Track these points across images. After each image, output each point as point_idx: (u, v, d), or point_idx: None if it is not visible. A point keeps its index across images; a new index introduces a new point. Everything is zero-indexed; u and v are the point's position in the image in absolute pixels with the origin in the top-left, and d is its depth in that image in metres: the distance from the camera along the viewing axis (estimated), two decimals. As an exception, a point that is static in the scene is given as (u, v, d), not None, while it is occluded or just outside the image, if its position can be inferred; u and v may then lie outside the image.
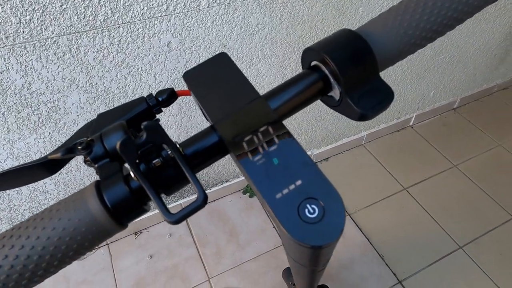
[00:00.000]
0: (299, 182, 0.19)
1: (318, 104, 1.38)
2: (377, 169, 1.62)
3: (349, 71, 0.25)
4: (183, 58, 0.97)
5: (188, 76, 0.27)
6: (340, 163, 1.64)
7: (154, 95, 0.28)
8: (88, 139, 0.24)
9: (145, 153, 0.22)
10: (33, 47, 0.78)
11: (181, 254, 1.32)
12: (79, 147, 0.23)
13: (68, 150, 0.24)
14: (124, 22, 0.83)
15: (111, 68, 0.90)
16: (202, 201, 0.21)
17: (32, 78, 0.82)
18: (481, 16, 1.48)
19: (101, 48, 0.85)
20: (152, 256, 1.31)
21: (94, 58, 0.86)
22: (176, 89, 0.29)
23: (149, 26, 0.87)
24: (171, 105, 1.06)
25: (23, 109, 0.87)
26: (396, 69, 1.47)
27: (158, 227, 1.40)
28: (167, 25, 0.88)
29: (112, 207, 0.22)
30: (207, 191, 1.41)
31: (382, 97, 0.25)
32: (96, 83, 0.91)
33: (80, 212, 0.22)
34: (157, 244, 1.35)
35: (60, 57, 0.82)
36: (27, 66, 0.80)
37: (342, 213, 0.18)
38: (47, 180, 1.05)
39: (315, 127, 1.47)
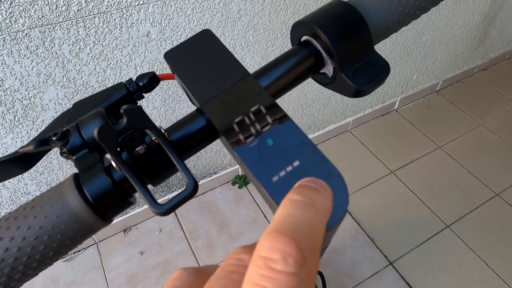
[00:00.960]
0: (296, 163, 0.18)
1: (303, 91, 1.37)
2: (364, 154, 1.63)
3: (343, 44, 0.23)
4: (163, 48, 0.94)
5: (170, 55, 0.24)
6: (327, 149, 1.65)
7: (134, 80, 0.26)
8: (64, 129, 0.22)
9: (127, 140, 0.20)
10: (3, 41, 0.73)
11: (173, 248, 1.30)
12: (53, 138, 0.21)
13: (41, 142, 0.21)
14: (99, 12, 0.79)
15: (88, 61, 0.86)
16: (193, 189, 0.19)
17: (4, 74, 0.78)
18: (461, -3, 1.49)
19: (76, 40, 0.81)
20: (143, 252, 1.29)
21: (70, 51, 0.82)
22: (158, 73, 0.27)
23: (126, 15, 0.83)
24: (154, 98, 1.04)
25: (-3, 108, 0.83)
26: (380, 52, 1.47)
27: (147, 223, 1.37)
28: (145, 14, 0.85)
29: (94, 200, 0.20)
30: (195, 184, 1.39)
31: (378, 71, 0.24)
32: (74, 78, 0.87)
33: (58, 208, 0.20)
34: (147, 240, 1.33)
35: (33, 51, 0.78)
36: (-2, 62, 0.76)
37: (345, 192, 0.17)
38: (28, 181, 1.01)
39: (302, 115, 1.47)
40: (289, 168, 0.18)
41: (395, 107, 1.83)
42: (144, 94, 0.26)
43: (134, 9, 0.83)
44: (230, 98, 0.22)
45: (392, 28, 0.26)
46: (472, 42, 1.80)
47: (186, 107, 1.11)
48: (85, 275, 1.24)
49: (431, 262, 1.28)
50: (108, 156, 0.22)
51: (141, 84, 0.26)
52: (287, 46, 1.16)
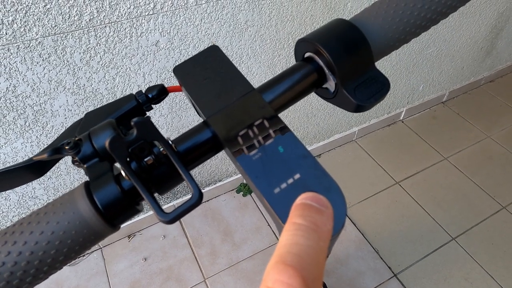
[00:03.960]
0: (297, 176, 0.19)
1: (309, 101, 1.38)
2: (369, 164, 1.63)
3: (344, 61, 0.24)
4: (172, 57, 0.96)
5: (179, 70, 0.26)
6: (332, 159, 1.65)
7: (143, 91, 0.27)
8: (76, 138, 0.23)
9: (136, 151, 0.21)
10: (17, 48, 0.76)
11: (176, 255, 1.31)
12: (66, 147, 0.22)
13: (54, 151, 0.22)
14: (110, 21, 0.81)
15: (98, 69, 0.88)
16: (198, 199, 0.20)
17: (17, 80, 0.80)
18: (467, 10, 1.50)
19: (87, 48, 0.83)
20: (146, 258, 1.30)
21: (80, 59, 0.84)
22: (166, 86, 0.28)
23: (136, 25, 0.85)
24: (161, 105, 1.05)
25: (8, 113, 0.84)
26: (386, 64, 1.48)
27: (151, 229, 1.38)
28: (154, 23, 0.87)
29: (103, 208, 0.21)
30: (200, 191, 1.40)
31: (378, 87, 0.25)
32: (84, 85, 0.89)
33: (70, 215, 0.21)
34: (151, 247, 1.33)
35: (46, 58, 0.80)
36: (11, 69, 0.78)
37: (343, 206, 0.17)
38: (36, 185, 1.03)
39: (307, 124, 1.47)
40: (290, 181, 0.19)
41: (401, 118, 1.83)
42: (153, 106, 0.27)
43: (144, 19, 0.85)
44: (235, 111, 0.23)
45: (393, 46, 0.26)
46: (478, 54, 1.80)
47: (192, 115, 1.12)
48: (89, 280, 1.25)
49: (436, 275, 1.26)
50: (117, 165, 0.22)
51: (150, 96, 0.27)
52: (293, 56, 1.17)
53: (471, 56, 1.78)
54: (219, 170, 1.40)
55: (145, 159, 0.22)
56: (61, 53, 0.81)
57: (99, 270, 1.27)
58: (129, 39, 0.87)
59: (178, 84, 0.27)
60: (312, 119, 1.47)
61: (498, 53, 1.90)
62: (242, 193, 1.49)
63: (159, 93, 0.27)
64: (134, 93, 0.27)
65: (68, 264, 1.33)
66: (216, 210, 1.44)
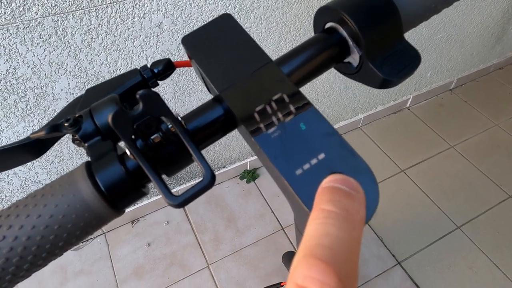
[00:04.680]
0: (322, 156, 0.17)
1: (314, 87, 1.35)
2: (375, 152, 1.61)
3: (371, 31, 0.22)
4: (175, 40, 0.93)
5: (188, 40, 0.23)
6: (337, 146, 1.63)
7: (148, 66, 0.25)
8: (76, 115, 0.21)
9: (142, 127, 0.19)
10: (16, 29, 0.73)
11: (180, 241, 1.31)
12: (65, 124, 0.21)
13: (53, 128, 0.21)
14: (112, 1, 0.79)
15: (100, 51, 0.86)
16: (210, 181, 0.19)
17: (17, 62, 0.78)
18: (480, -7, 1.45)
19: (89, 29, 0.81)
20: (150, 244, 1.30)
21: (82, 41, 0.82)
22: (173, 60, 0.26)
23: (139, 5, 0.82)
24: (165, 89, 1.03)
25: (9, 96, 0.83)
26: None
27: (155, 215, 1.38)
28: (158, 4, 0.84)
29: (106, 190, 0.20)
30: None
31: (408, 61, 0.23)
32: (86, 67, 0.87)
33: (69, 197, 0.19)
34: (155, 232, 1.33)
35: (46, 39, 0.78)
36: (11, 50, 0.76)
37: (375, 190, 0.16)
38: (38, 169, 1.02)
39: (312, 110, 1.45)
40: (313, 161, 0.17)
41: (407, 105, 1.80)
42: (159, 82, 0.26)
43: (147, -1, 0.82)
44: (251, 85, 0.21)
45: (423, 15, 0.24)
46: (489, 40, 1.75)
47: (197, 99, 1.10)
48: (92, 264, 1.25)
49: (440, 263, 1.26)
50: (121, 144, 0.21)
51: (156, 70, 0.25)
52: (300, 39, 1.14)
53: (481, 42, 1.73)
54: (222, 156, 1.39)
55: (152, 137, 0.20)
56: (62, 34, 0.79)
57: (103, 255, 1.28)
58: (131, 20, 0.84)
59: (186, 60, 0.25)
60: (317, 106, 1.44)
61: (509, 39, 1.85)
62: (245, 179, 1.48)
63: (166, 67, 0.25)
64: (138, 68, 0.25)
65: (72, 249, 1.34)
66: (220, 197, 1.43)
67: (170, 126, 0.20)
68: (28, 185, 1.05)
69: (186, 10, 0.89)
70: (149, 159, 0.19)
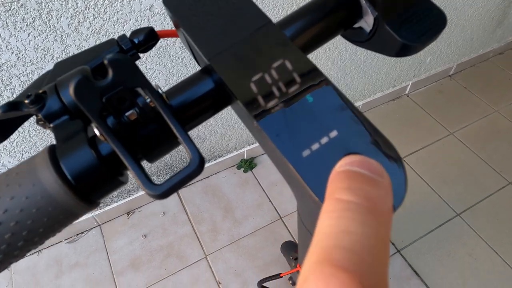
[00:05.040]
0: (334, 134, 0.14)
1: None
2: (373, 139, 1.59)
3: None
4: (168, 24, 0.89)
5: (171, 2, 0.20)
6: (336, 134, 1.60)
7: (128, 36, 0.22)
8: (40, 91, 0.18)
9: (114, 101, 0.16)
10: (-3, 12, 0.69)
11: (176, 232, 1.29)
12: (26, 101, 0.17)
13: (10, 106, 0.17)
14: (99, -18, 0.74)
15: (88, 36, 0.82)
16: (198, 166, 0.15)
17: (0, 48, 0.74)
18: (481, -25, 1.41)
19: (75, 13, 0.77)
20: (146, 235, 1.28)
21: (68, 25, 0.78)
22: (156, 30, 0.22)
23: (128, -14, 0.78)
24: (158, 76, 0.99)
25: (-7, 84, 0.79)
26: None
27: (150, 206, 1.35)
28: (147, -15, 0.80)
29: (74, 178, 0.16)
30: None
31: (431, 22, 0.19)
32: (73, 53, 0.82)
33: (28, 188, 0.16)
34: (151, 223, 1.31)
35: (30, 23, 0.74)
36: (-7, 34, 0.72)
37: (401, 171, 0.13)
38: (6, 158, 0.97)
39: (310, 98, 1.41)
40: (324, 140, 0.14)
41: (406, 92, 1.77)
42: (141, 55, 0.22)
43: (136, -20, 0.78)
44: (247, 50, 0.17)
45: None
46: (490, 24, 1.71)
47: (191, 87, 1.06)
48: (88, 257, 1.23)
49: (440, 251, 1.25)
50: (94, 125, 0.18)
51: (136, 41, 0.21)
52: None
53: (482, 26, 1.69)
54: (219, 145, 1.35)
55: (127, 113, 0.17)
56: (47, 18, 0.74)
57: (99, 247, 1.25)
58: (120, 2, 0.80)
59: (171, 29, 0.22)
60: (315, 93, 1.41)
61: (510, 23, 1.81)
62: (243, 169, 1.45)
63: (147, 37, 0.22)
64: (116, 38, 0.22)
65: (67, 241, 1.30)
66: (217, 187, 1.41)
67: (148, 100, 0.17)
68: None
69: (178, -8, 0.85)
70: (123, 140, 0.16)
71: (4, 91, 0.81)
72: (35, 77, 0.82)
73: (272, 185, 1.40)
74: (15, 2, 0.69)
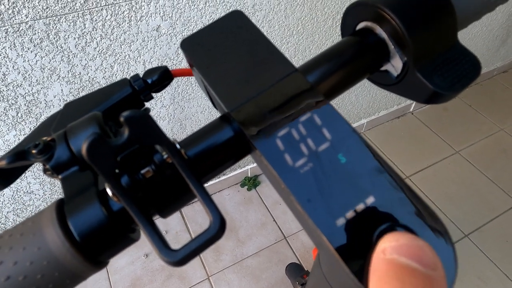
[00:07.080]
0: (371, 200, 0.12)
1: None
2: (378, 158, 1.57)
3: (421, 31, 0.17)
4: (174, 44, 0.89)
5: (188, 44, 0.19)
6: (340, 152, 1.59)
7: (141, 76, 0.21)
8: (48, 139, 0.17)
9: (129, 160, 0.15)
10: (5, 33, 0.69)
11: (178, 252, 1.26)
12: (33, 151, 0.16)
13: (17, 156, 0.16)
14: (107, 3, 0.75)
15: (95, 56, 0.82)
16: (219, 230, 0.14)
17: (7, 68, 0.74)
18: (485, -5, 1.42)
19: (83, 33, 0.77)
20: (147, 255, 1.25)
21: (75, 45, 0.78)
22: (170, 69, 0.21)
23: (136, 8, 0.78)
24: (163, 95, 0.99)
25: (-1, 103, 0.79)
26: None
27: (153, 225, 1.33)
28: (155, 6, 0.80)
29: (81, 239, 0.15)
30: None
31: (464, 68, 0.18)
32: (80, 73, 0.83)
33: (33, 252, 0.15)
34: (153, 242, 1.28)
35: (37, 44, 0.74)
36: (0, 55, 0.72)
37: (450, 251, 0.12)
38: (31, 179, 0.98)
39: (315, 116, 1.41)
40: (360, 207, 0.12)
41: (411, 110, 1.76)
42: (153, 94, 0.21)
43: (144, 2, 0.78)
44: (271, 102, 0.16)
45: (479, 12, 0.20)
46: (493, 43, 1.72)
47: (196, 105, 1.06)
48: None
49: (449, 273, 1.22)
50: (106, 185, 0.16)
51: (149, 81, 0.20)
52: (302, 43, 1.10)
53: (486, 45, 1.70)
54: (223, 163, 1.34)
55: (142, 171, 0.15)
56: (54, 38, 0.75)
57: (99, 266, 1.23)
58: (127, 23, 0.80)
59: (185, 67, 0.21)
60: (320, 111, 1.40)
61: (513, 42, 1.82)
62: (246, 187, 1.43)
63: (161, 77, 0.21)
64: (129, 77, 0.21)
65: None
66: (220, 205, 1.39)
67: (165, 156, 0.16)
68: (20, 195, 1.00)
69: (185, 13, 0.85)
70: (137, 200, 0.14)
71: (9, 110, 0.81)
72: (41, 96, 0.82)
73: (276, 203, 1.38)
74: (23, 24, 0.70)
